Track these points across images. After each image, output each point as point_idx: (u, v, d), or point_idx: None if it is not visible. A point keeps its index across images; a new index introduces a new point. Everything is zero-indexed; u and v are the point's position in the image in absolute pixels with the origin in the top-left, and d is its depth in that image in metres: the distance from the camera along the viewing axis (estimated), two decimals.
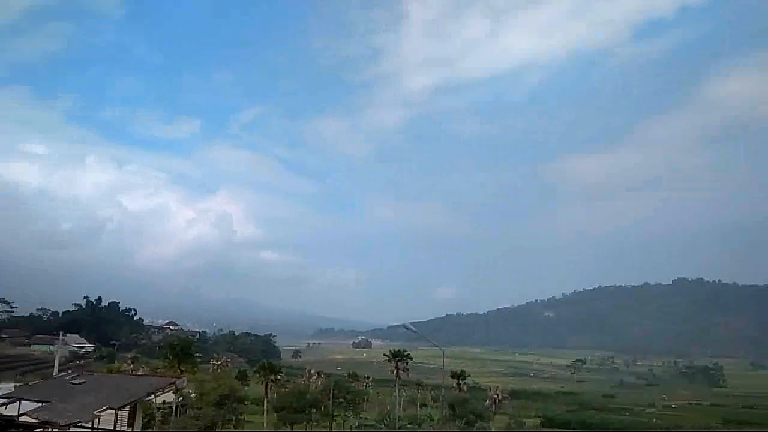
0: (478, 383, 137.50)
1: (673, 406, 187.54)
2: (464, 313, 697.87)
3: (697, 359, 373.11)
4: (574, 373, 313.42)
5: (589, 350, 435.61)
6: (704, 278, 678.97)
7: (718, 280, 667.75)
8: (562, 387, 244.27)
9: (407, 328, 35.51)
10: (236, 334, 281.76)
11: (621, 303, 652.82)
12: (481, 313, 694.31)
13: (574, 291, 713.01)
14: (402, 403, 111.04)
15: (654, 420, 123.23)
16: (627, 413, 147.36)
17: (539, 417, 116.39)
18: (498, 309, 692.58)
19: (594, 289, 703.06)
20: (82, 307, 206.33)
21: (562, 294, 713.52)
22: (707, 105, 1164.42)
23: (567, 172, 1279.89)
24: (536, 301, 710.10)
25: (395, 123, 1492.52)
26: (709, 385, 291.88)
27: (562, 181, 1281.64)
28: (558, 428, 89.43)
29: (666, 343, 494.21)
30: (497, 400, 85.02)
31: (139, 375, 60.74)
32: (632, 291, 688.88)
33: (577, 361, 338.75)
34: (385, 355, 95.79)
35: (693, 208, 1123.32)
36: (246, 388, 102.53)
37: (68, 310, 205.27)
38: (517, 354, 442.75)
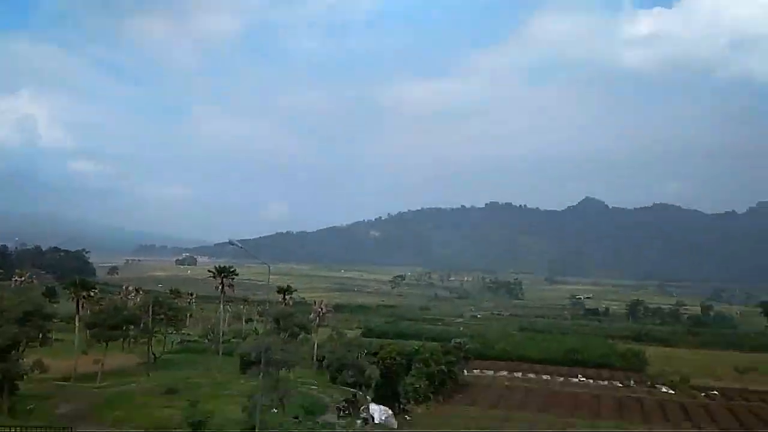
0: (304, 298, 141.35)
1: (479, 316, 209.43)
2: (293, 232, 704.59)
3: (502, 275, 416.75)
4: (394, 287, 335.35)
5: (409, 267, 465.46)
6: (512, 203, 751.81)
7: (524, 205, 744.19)
8: (383, 301, 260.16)
9: (232, 244, 34.96)
10: (43, 249, 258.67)
11: (440, 224, 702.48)
12: (310, 231, 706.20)
13: (399, 212, 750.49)
14: (227, 318, 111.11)
15: (461, 328, 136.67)
16: (439, 323, 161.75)
17: (360, 328, 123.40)
18: (327, 228, 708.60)
19: (417, 210, 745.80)
20: None
21: (388, 214, 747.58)
22: (531, 41, 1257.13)
23: (399, 96, 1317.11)
24: (364, 220, 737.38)
25: (228, 32, 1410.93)
26: (510, 297, 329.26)
27: (393, 105, 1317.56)
28: (376, 338, 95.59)
29: (476, 261, 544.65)
30: (321, 314, 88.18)
31: None
32: (450, 213, 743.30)
33: (397, 276, 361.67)
34: (209, 270, 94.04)
35: (508, 137, 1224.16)
36: (56, 306, 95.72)
37: None
38: (342, 271, 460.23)
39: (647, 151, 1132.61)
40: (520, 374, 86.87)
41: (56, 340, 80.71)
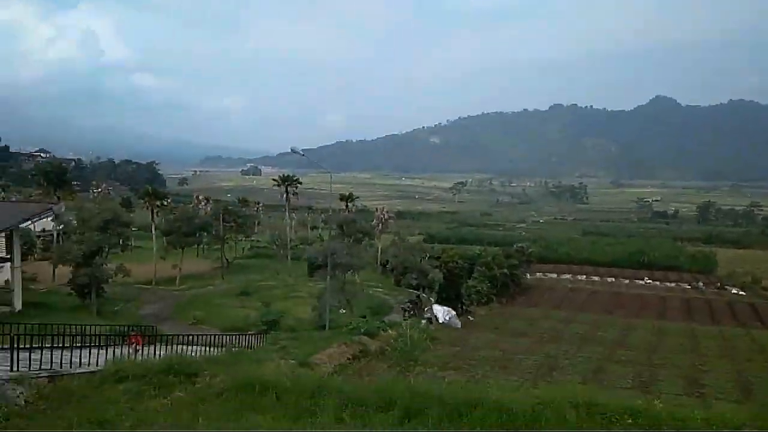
0: (365, 206, 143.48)
1: (542, 221, 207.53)
2: (353, 140, 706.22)
3: (566, 180, 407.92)
4: (455, 194, 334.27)
5: (470, 173, 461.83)
6: (578, 104, 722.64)
7: (590, 106, 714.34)
8: (444, 207, 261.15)
9: (295, 152, 34.99)
10: (116, 162, 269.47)
11: (502, 129, 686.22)
12: (370, 139, 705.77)
13: (459, 117, 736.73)
14: (293, 226, 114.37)
15: (523, 233, 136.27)
16: (501, 228, 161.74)
17: (422, 234, 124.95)
18: (386, 136, 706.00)
19: (478, 115, 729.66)
20: None
21: (448, 120, 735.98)
22: None
23: None
24: (423, 127, 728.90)
25: None
26: (574, 202, 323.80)
27: (455, 6, 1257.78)
28: (438, 243, 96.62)
29: (539, 166, 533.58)
30: (383, 220, 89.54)
31: (12, 201, 57.31)
32: (512, 117, 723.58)
33: (458, 183, 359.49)
34: (274, 180, 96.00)
35: (573, 35, 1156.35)
36: (132, 215, 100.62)
37: None
38: (403, 178, 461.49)
39: (725, 43, 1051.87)
40: (583, 277, 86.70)
41: (135, 247, 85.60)
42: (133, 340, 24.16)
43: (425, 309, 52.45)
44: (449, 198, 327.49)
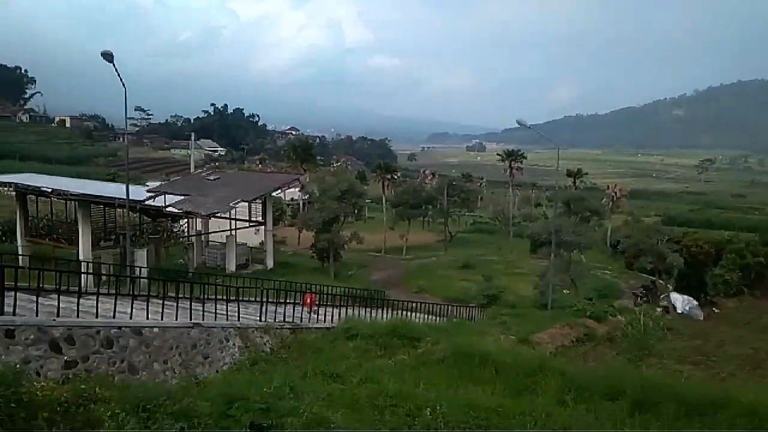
0: (595, 184, 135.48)
1: None
2: (584, 114, 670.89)
3: None
4: (701, 173, 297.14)
5: (720, 150, 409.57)
6: None
7: None
8: (687, 187, 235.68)
9: (521, 124, 33.92)
10: (353, 138, 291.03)
11: (763, 99, 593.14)
12: (603, 113, 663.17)
13: (709, 87, 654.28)
14: (516, 202, 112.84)
15: None
16: (756, 212, 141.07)
17: (659, 216, 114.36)
18: (621, 109, 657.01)
19: (732, 84, 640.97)
20: (210, 114, 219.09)
21: (695, 91, 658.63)
22: None
23: None
24: (665, 99, 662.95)
25: None
26: None
27: None
28: (678, 226, 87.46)
29: None
30: (615, 198, 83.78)
31: (266, 172, 65.04)
32: None
33: (705, 161, 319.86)
34: (498, 154, 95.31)
35: None
36: (365, 187, 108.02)
37: (198, 117, 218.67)
38: (639, 155, 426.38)
39: None
40: None
41: (368, 218, 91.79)
42: (308, 301, 23.34)
43: (661, 296, 48.10)
44: (694, 177, 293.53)
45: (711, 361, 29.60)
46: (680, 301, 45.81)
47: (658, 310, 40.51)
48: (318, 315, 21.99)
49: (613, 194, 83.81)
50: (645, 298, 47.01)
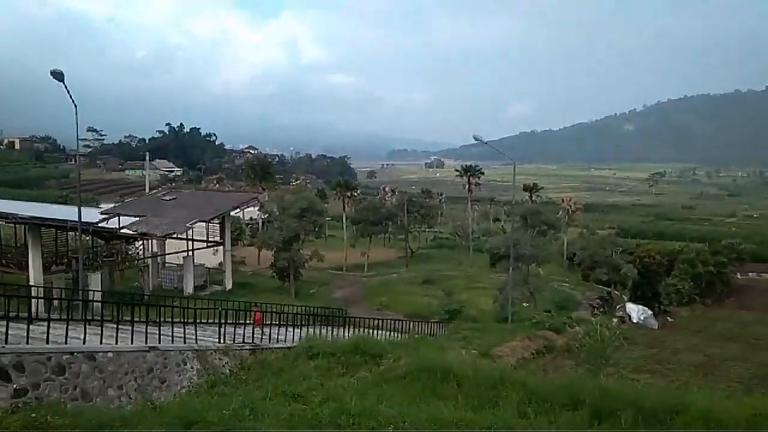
0: (551, 198, 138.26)
1: (755, 215, 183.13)
2: (538, 131, 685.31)
3: None
4: (652, 185, 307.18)
5: (669, 163, 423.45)
6: None
7: None
8: (639, 200, 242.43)
9: (477, 139, 34.49)
10: (313, 157, 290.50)
11: (707, 113, 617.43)
12: (557, 129, 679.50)
13: (658, 102, 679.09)
14: (475, 217, 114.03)
15: (732, 229, 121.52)
16: (706, 223, 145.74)
17: (613, 228, 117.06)
18: (574, 125, 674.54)
19: (679, 99, 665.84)
20: (165, 133, 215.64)
21: (644, 106, 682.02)
22: None
23: None
24: (615, 114, 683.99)
25: None
26: None
27: None
28: (632, 238, 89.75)
29: (753, 154, 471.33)
30: (570, 212, 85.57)
31: (224, 191, 64.26)
32: (720, 99, 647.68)
33: (656, 174, 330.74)
34: (456, 170, 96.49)
35: None
36: (326, 205, 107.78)
37: (153, 137, 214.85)
38: (592, 169, 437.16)
39: None
40: None
41: (328, 235, 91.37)
42: (257, 319, 22.64)
43: (617, 307, 49.24)
44: (645, 190, 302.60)
45: (666, 369, 30.40)
46: (635, 311, 46.95)
47: (615, 320, 41.36)
48: (263, 333, 21.31)
49: (568, 208, 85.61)
50: (602, 309, 47.98)
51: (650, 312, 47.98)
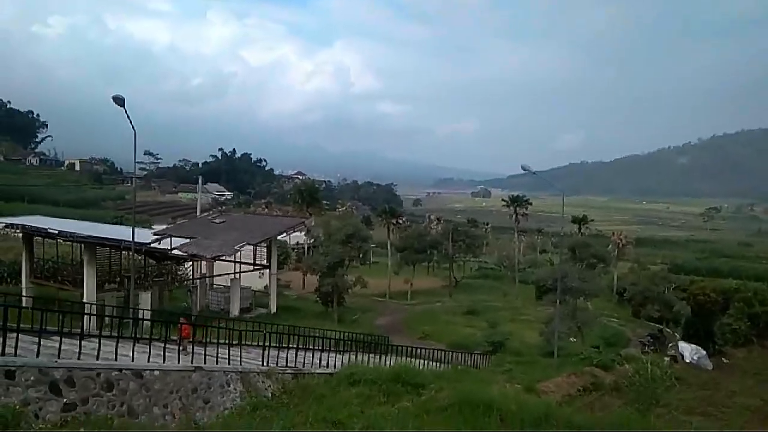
0: (600, 230, 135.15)
1: None
2: (588, 162, 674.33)
3: None
4: (707, 221, 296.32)
5: (725, 198, 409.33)
6: None
7: None
8: (693, 235, 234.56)
9: (526, 169, 34.14)
10: (359, 183, 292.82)
11: (764, 147, 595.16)
12: (608, 161, 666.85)
13: (713, 135, 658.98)
14: (521, 248, 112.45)
15: None
16: (764, 261, 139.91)
17: (665, 264, 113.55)
18: (626, 156, 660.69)
19: (735, 133, 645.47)
20: (218, 158, 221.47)
21: (699, 139, 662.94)
22: None
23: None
24: (669, 147, 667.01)
25: None
26: None
27: (702, 12, 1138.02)
28: (685, 274, 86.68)
29: None
30: (621, 245, 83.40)
31: (272, 215, 65.31)
32: None
33: (711, 209, 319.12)
34: (503, 200, 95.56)
35: None
36: (371, 232, 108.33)
37: (206, 161, 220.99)
38: (644, 202, 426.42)
39: None
40: None
41: (373, 262, 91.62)
42: (185, 331, 18.85)
43: (669, 345, 47.39)
44: (699, 225, 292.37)
45: (721, 412, 29.01)
46: (688, 350, 45.11)
47: (666, 359, 39.78)
48: (191, 353, 16.66)
49: (619, 241, 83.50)
50: (652, 347, 46.26)
51: (704, 352, 45.97)
